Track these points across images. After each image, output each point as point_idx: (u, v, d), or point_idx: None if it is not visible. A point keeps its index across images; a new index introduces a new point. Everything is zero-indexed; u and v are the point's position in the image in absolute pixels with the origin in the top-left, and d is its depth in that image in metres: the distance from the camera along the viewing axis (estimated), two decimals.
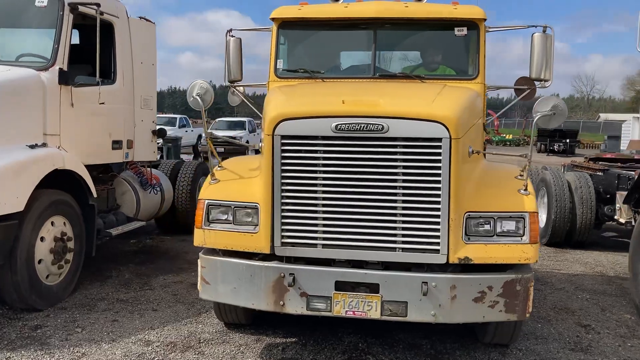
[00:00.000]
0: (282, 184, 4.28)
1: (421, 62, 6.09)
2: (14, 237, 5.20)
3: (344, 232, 4.25)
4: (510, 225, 4.28)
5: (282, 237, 4.31)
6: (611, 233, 11.01)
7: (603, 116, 77.49)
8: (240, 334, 5.24)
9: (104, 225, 6.85)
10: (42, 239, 5.60)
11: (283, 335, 5.24)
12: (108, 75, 6.94)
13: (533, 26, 5.81)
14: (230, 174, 4.81)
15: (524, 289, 4.22)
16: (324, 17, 5.88)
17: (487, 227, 4.27)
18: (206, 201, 4.56)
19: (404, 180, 4.15)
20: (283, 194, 4.28)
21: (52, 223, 5.75)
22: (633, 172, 8.69)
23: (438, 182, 4.12)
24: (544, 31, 5.73)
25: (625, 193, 7.73)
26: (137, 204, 7.67)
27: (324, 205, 4.25)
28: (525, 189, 4.43)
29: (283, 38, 6.01)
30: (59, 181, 5.85)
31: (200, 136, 30.25)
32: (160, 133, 8.08)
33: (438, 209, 4.14)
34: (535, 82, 5.83)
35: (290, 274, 4.25)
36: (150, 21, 7.88)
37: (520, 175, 4.65)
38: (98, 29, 6.17)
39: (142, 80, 7.60)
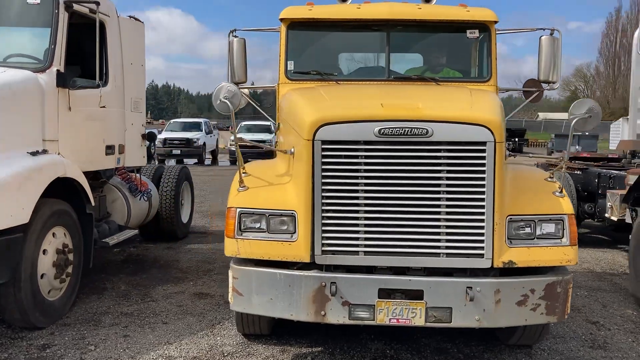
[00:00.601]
0: (323, 190, 4.15)
1: (429, 64, 6.06)
2: (19, 251, 4.85)
3: (387, 238, 4.16)
4: (550, 228, 4.30)
5: (323, 245, 4.18)
6: (585, 229, 11.35)
7: (542, 115, 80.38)
8: (264, 345, 5.07)
9: (98, 235, 6.52)
10: (44, 252, 5.26)
11: (308, 344, 5.10)
12: (99, 76, 6.59)
13: (541, 29, 5.90)
14: (258, 181, 4.63)
15: (564, 291, 4.24)
16: (335, 18, 5.79)
17: (527, 230, 4.27)
18: (238, 209, 4.37)
19: (448, 185, 4.10)
20: (324, 201, 4.15)
21: (54, 234, 5.41)
22: (613, 171, 8.97)
23: (482, 185, 4.09)
24: (552, 34, 5.82)
25: (617, 191, 7.98)
26: (128, 211, 7.35)
27: (365, 212, 4.15)
28: (561, 191, 4.47)
29: (292, 39, 5.87)
30: (55, 189, 5.50)
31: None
32: (150, 137, 7.76)
33: (482, 213, 4.11)
34: (543, 84, 5.93)
35: (331, 282, 4.12)
36: (139, 20, 7.55)
37: (551, 177, 4.69)
38: (98, 28, 5.86)
39: (132, 82, 7.28)
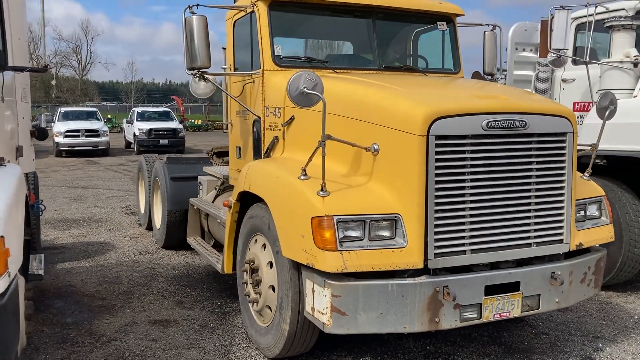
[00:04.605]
0: (436, 189, 3.86)
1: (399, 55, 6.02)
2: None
3: (488, 234, 4.08)
4: (593, 209, 4.73)
5: (435, 247, 3.90)
6: None
7: None
8: None
9: None
10: None
11: (353, 353, 4.71)
12: None
13: (486, 24, 6.32)
14: (328, 184, 4.03)
15: (604, 265, 4.73)
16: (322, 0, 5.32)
17: (582, 212, 4.63)
18: (335, 217, 3.78)
19: (537, 176, 4.20)
20: (436, 201, 3.87)
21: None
22: None
23: (563, 174, 4.29)
24: (493, 30, 6.29)
25: None
26: None
27: (471, 209, 3.99)
28: (588, 175, 4.92)
29: (275, 20, 5.23)
30: None
31: None
32: (40, 134, 5.99)
33: (563, 200, 4.31)
34: (486, 76, 6.38)
35: (444, 286, 3.89)
36: None
37: None
38: None
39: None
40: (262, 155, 5.27)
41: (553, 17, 7.10)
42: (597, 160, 6.37)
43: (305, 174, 4.12)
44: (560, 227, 4.33)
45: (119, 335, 5.08)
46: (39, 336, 5.06)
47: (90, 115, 27.62)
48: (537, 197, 4.21)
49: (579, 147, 4.56)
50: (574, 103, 7.58)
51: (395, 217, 3.89)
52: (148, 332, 5.17)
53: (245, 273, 4.85)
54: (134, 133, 26.67)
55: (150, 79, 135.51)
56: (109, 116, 49.27)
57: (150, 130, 26.05)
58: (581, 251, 4.61)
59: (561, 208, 4.31)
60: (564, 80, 7.78)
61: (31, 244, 5.17)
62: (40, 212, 6.16)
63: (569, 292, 4.39)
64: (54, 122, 26.64)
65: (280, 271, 4.31)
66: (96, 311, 5.69)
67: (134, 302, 5.99)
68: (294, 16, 5.42)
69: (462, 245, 4.00)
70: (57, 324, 5.36)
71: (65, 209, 11.72)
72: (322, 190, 3.90)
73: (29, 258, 4.56)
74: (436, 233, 3.89)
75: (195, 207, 7.01)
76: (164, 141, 25.98)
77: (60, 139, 24.43)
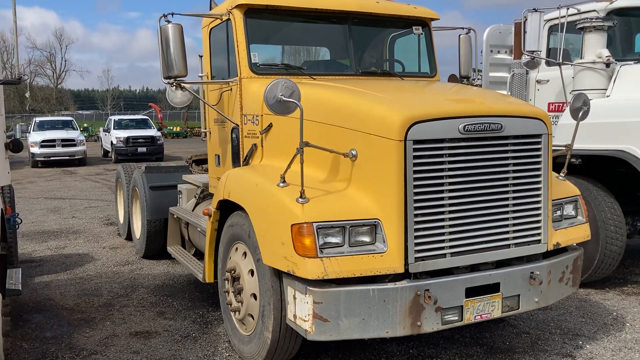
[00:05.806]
0: (415, 194, 3.88)
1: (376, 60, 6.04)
2: None
3: (468, 236, 4.11)
4: (569, 209, 4.80)
5: (415, 252, 3.92)
6: None
7: None
8: None
9: None
10: None
11: (336, 359, 4.72)
12: None
13: (461, 28, 6.39)
14: (307, 191, 4.04)
15: (581, 263, 4.80)
16: (298, 6, 5.34)
17: (558, 212, 4.69)
18: (315, 224, 3.78)
19: (514, 178, 4.24)
20: (415, 205, 3.89)
21: None
22: None
23: (540, 175, 4.34)
24: (468, 33, 6.35)
25: None
26: None
27: (450, 212, 4.02)
28: (563, 175, 4.99)
29: (251, 28, 5.22)
30: None
31: None
32: (15, 146, 5.87)
33: (540, 201, 4.36)
34: (462, 79, 6.44)
35: (425, 290, 3.91)
36: None
37: None
38: None
39: None
40: (241, 163, 5.26)
41: (526, 20, 7.20)
42: (573, 160, 6.48)
43: (284, 181, 4.12)
44: (538, 228, 4.38)
45: (99, 349, 5.02)
46: (18, 352, 4.98)
47: (66, 125, 27.28)
48: (514, 198, 4.26)
49: (554, 148, 4.63)
50: (549, 104, 7.69)
51: (375, 222, 3.90)
52: (129, 344, 5.11)
53: (226, 282, 4.82)
54: (112, 142, 26.41)
55: (126, 86, 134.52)
56: (85, 125, 48.80)
57: (128, 138, 25.82)
58: (559, 250, 4.67)
59: (538, 209, 4.36)
60: (538, 82, 7.89)
61: (8, 259, 5.09)
62: (17, 226, 6.06)
63: (548, 292, 4.44)
64: (29, 132, 26.25)
65: (261, 279, 4.30)
66: (76, 325, 5.62)
67: (114, 314, 5.92)
68: (270, 23, 5.42)
69: (442, 248, 4.03)
70: (37, 338, 5.28)
71: (42, 220, 11.56)
72: (301, 197, 3.90)
73: (5, 273, 4.48)
74: (416, 237, 3.91)
75: (175, 216, 6.96)
76: (142, 149, 25.77)
77: (35, 150, 24.10)
